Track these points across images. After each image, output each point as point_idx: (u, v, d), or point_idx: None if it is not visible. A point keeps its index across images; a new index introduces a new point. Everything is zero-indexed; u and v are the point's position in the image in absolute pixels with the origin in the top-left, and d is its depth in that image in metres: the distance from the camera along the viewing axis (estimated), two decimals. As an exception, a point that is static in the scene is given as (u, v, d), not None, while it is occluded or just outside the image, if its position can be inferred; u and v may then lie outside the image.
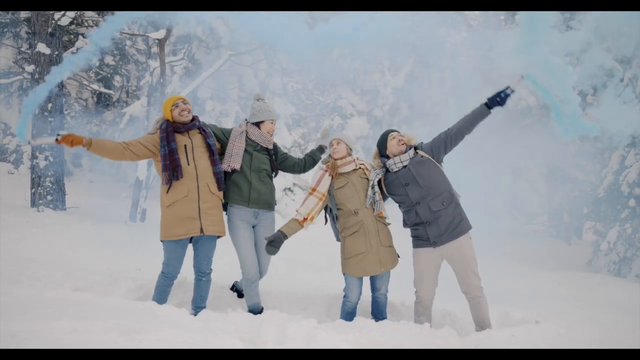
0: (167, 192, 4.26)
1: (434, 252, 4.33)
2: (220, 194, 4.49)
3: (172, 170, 4.23)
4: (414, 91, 18.62)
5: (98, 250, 6.97)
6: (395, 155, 4.45)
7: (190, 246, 4.45)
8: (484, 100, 4.32)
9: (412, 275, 4.47)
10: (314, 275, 7.49)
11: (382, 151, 4.57)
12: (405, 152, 4.43)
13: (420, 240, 4.37)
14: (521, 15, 3.93)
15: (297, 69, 15.26)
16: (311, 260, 8.62)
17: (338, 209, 4.51)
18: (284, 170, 4.98)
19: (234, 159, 4.54)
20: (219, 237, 4.52)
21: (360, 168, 4.59)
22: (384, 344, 3.35)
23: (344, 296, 4.53)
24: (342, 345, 3.25)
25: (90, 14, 10.89)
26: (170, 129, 4.33)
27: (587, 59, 4.13)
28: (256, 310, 4.58)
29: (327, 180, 4.49)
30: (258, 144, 4.67)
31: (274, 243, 4.30)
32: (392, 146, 4.47)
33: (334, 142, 4.60)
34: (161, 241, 4.36)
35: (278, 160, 4.87)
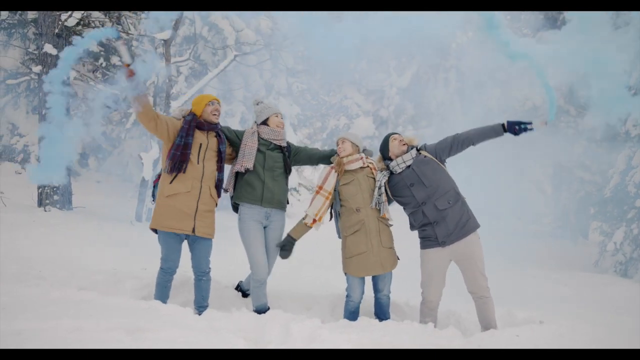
0: (171, 182, 4.27)
1: (443, 252, 4.31)
2: (217, 200, 4.51)
3: (178, 162, 4.24)
4: (420, 91, 18.60)
5: (104, 250, 6.99)
6: (397, 156, 4.46)
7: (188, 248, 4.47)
8: (504, 121, 4.35)
9: (416, 275, 4.46)
10: (318, 274, 7.48)
11: (384, 154, 4.59)
12: (407, 152, 4.45)
13: (428, 241, 4.35)
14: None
15: (302, 69, 15.27)
16: (318, 260, 8.61)
17: (341, 206, 4.52)
18: (303, 163, 5.00)
19: (246, 159, 4.55)
20: None
21: (367, 167, 4.60)
22: (387, 344, 3.35)
23: (347, 296, 4.53)
24: (345, 345, 3.25)
25: (96, 15, 10.92)
26: (194, 124, 4.37)
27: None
28: (263, 311, 4.55)
29: (333, 178, 4.52)
30: (271, 143, 4.67)
31: (286, 247, 4.46)
32: (394, 147, 4.49)
33: (339, 142, 4.64)
34: (151, 229, 4.35)
35: (293, 156, 4.86)
